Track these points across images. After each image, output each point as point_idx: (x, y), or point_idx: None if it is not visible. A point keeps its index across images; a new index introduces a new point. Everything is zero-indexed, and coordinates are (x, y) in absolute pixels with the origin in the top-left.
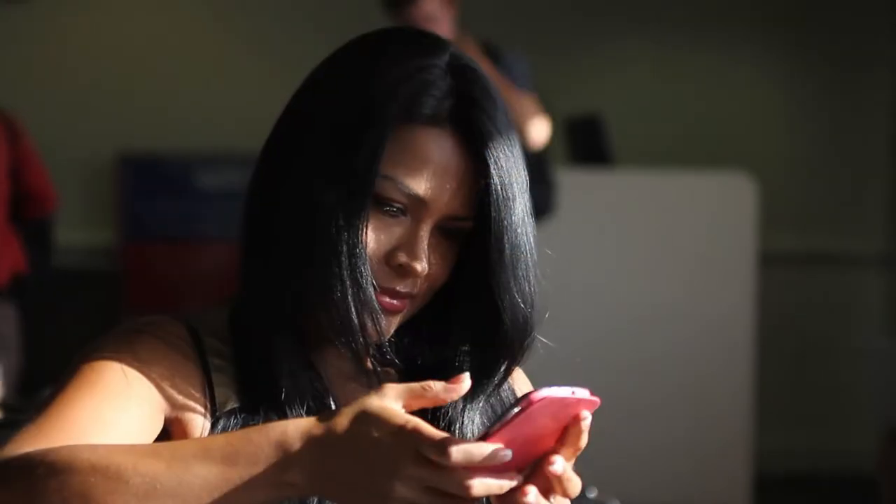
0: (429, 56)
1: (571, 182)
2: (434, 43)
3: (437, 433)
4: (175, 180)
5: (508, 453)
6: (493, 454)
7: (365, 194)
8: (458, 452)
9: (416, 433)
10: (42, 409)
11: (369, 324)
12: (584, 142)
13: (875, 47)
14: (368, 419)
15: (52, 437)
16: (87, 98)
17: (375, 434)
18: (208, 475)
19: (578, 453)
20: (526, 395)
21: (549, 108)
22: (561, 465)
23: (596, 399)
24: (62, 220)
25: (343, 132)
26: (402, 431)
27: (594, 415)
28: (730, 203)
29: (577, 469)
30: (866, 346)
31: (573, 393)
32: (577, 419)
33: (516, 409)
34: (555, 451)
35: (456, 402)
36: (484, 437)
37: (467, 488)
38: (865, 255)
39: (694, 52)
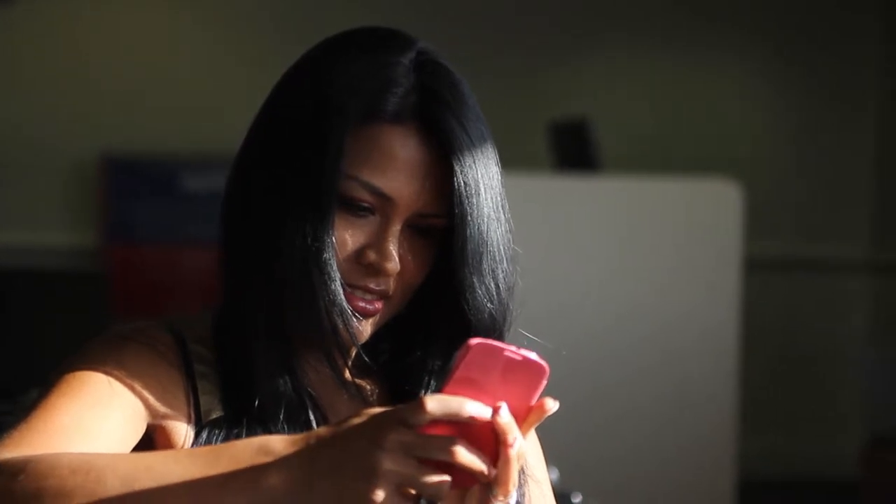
0: (393, 53)
1: (557, 187)
2: (400, 41)
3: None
4: (159, 182)
5: (479, 405)
6: (463, 403)
7: (329, 195)
8: (433, 402)
9: (393, 408)
10: (25, 415)
11: (340, 325)
12: (570, 147)
13: (861, 54)
14: (350, 417)
15: (34, 444)
16: (72, 99)
17: (357, 421)
18: (187, 477)
19: (537, 422)
20: (465, 343)
21: (535, 113)
22: (506, 409)
23: (544, 364)
24: (46, 222)
25: (306, 133)
26: (380, 412)
27: (579, 420)
28: (715, 209)
29: (563, 475)
30: (851, 352)
31: (518, 349)
32: (540, 405)
33: (457, 358)
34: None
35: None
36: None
37: (451, 452)
38: (851, 262)
39: (680, 58)
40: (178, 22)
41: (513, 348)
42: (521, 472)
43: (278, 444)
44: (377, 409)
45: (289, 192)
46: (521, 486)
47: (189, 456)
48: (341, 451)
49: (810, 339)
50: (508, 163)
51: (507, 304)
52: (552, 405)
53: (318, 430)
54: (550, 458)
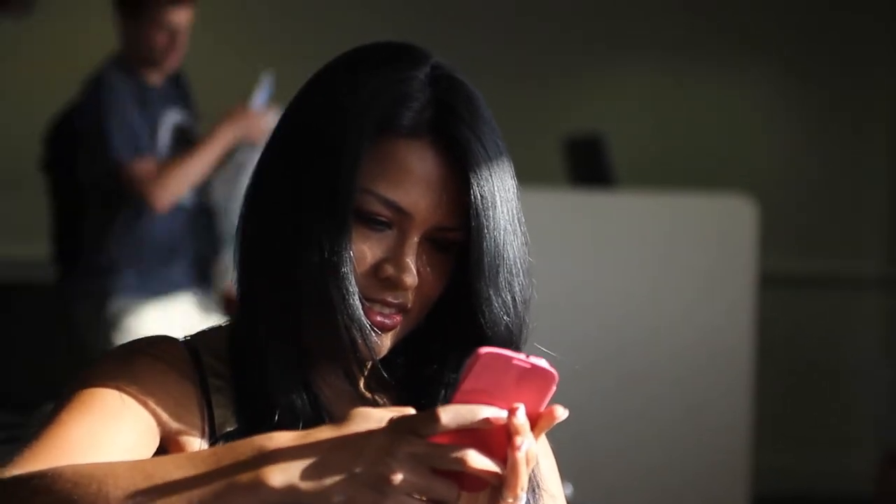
0: (408, 68)
1: (572, 202)
2: (415, 55)
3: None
4: None
5: (494, 409)
6: (477, 410)
7: (346, 210)
8: (446, 413)
9: (407, 415)
10: (38, 431)
11: (359, 340)
12: (584, 162)
13: (875, 70)
14: (358, 415)
15: (46, 460)
16: None
17: (368, 426)
18: (189, 483)
19: (548, 427)
20: (474, 352)
21: (548, 127)
22: (523, 412)
23: (553, 371)
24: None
25: (322, 148)
26: (394, 419)
27: (593, 434)
28: (730, 224)
29: (578, 490)
30: (865, 367)
31: (527, 357)
32: (550, 413)
33: (466, 367)
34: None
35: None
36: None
37: (464, 461)
38: (864, 278)
39: (695, 73)
40: (192, 35)
41: (521, 356)
42: (537, 486)
43: (278, 439)
44: (378, 411)
45: (305, 207)
46: (534, 495)
47: (190, 460)
48: (352, 457)
49: (825, 355)
50: (522, 177)
51: (524, 317)
52: (562, 413)
53: (323, 429)
54: (565, 473)
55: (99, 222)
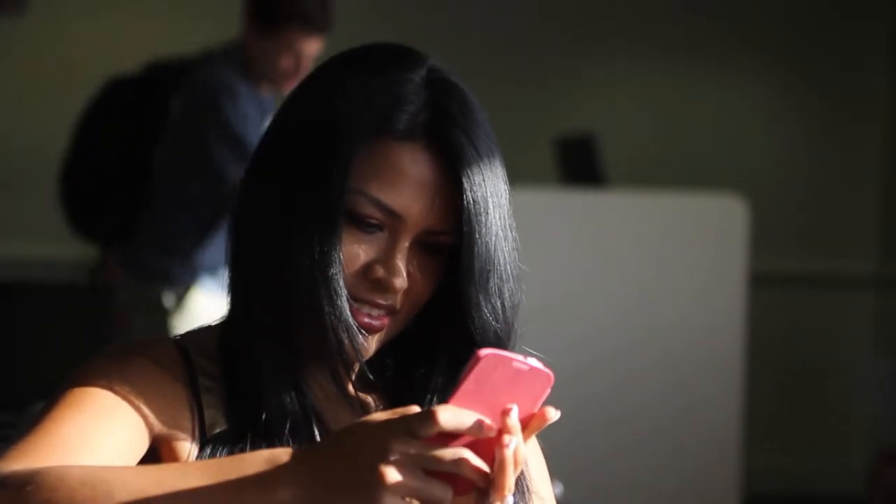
0: (403, 70)
1: (563, 202)
2: (411, 58)
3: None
4: None
5: (487, 420)
6: (475, 413)
7: (337, 210)
8: (445, 414)
9: (403, 415)
10: (30, 428)
11: (346, 341)
12: (576, 162)
13: (873, 71)
14: (354, 426)
15: (38, 457)
16: (77, 111)
17: (363, 432)
18: (197, 492)
19: (540, 427)
20: (474, 353)
21: (540, 127)
22: (516, 413)
23: (549, 373)
24: (50, 234)
25: (316, 148)
26: (389, 419)
27: (583, 435)
28: (721, 224)
29: (567, 490)
30: (858, 367)
31: (525, 358)
32: (542, 414)
33: (466, 369)
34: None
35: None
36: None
37: (460, 464)
38: (856, 277)
39: (687, 73)
40: (186, 35)
41: (520, 357)
42: (526, 489)
43: (286, 457)
44: (381, 415)
45: (297, 207)
46: (524, 498)
47: (199, 469)
48: (349, 464)
49: (817, 355)
50: (514, 177)
51: (513, 322)
52: (554, 414)
53: (325, 440)
54: (556, 472)
55: (185, 224)
